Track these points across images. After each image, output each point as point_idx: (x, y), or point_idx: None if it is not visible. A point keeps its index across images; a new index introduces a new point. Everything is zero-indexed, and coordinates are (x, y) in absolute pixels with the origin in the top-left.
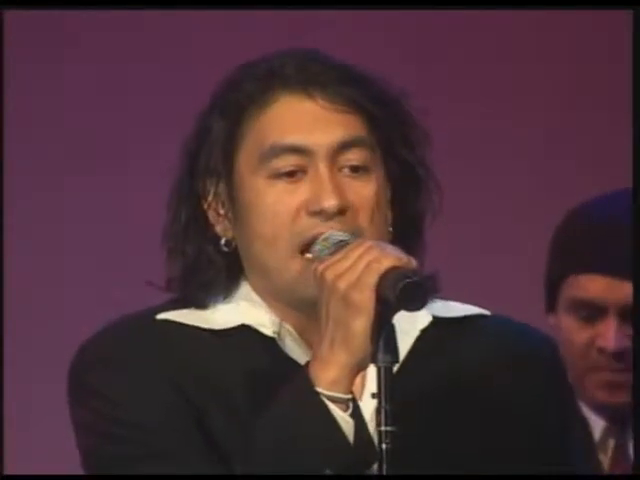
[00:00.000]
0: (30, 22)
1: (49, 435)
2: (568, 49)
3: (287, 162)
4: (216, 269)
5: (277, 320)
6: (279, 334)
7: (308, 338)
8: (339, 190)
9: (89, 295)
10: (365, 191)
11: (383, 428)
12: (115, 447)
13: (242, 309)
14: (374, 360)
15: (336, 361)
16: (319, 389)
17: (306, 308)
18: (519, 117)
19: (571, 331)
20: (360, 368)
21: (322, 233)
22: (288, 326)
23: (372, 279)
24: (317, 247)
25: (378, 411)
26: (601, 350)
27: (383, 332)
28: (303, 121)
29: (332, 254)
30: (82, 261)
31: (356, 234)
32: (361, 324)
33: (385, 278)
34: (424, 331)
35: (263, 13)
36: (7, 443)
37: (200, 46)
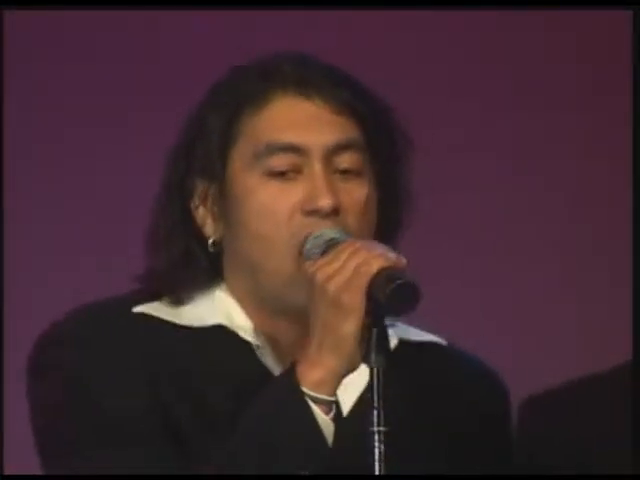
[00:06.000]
0: (30, 22)
1: None
2: (568, 49)
3: (283, 161)
4: (199, 269)
5: (252, 325)
6: (254, 338)
7: (281, 345)
8: (333, 190)
9: (89, 293)
10: (357, 194)
11: (376, 428)
12: (70, 428)
13: (219, 309)
14: (366, 361)
15: (323, 363)
16: (303, 389)
17: (287, 314)
18: (519, 117)
19: None
20: (348, 371)
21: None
22: (261, 333)
23: (362, 282)
24: (308, 245)
25: (371, 412)
26: None
27: (375, 333)
28: (300, 121)
29: (323, 252)
30: (80, 259)
31: (348, 234)
32: (350, 327)
33: (376, 279)
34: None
35: (263, 13)
36: (7, 443)
37: (200, 46)
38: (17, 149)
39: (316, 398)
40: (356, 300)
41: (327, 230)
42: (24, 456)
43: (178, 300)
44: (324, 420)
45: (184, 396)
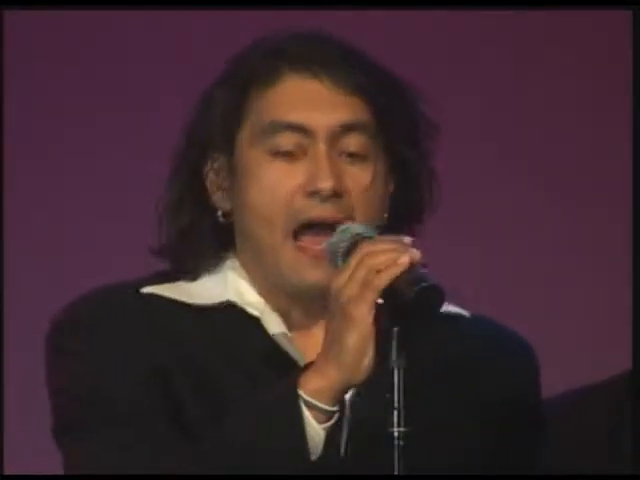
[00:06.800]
0: (30, 22)
1: (49, 435)
2: (568, 49)
3: (287, 140)
4: (209, 240)
5: (262, 300)
6: (263, 314)
7: (291, 319)
8: (336, 173)
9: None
10: (362, 177)
11: (396, 429)
12: (77, 408)
13: (229, 285)
14: (388, 361)
15: (326, 373)
16: (301, 393)
17: (291, 292)
18: (518, 117)
19: None
20: (351, 383)
21: (318, 216)
22: (271, 307)
23: (371, 295)
24: (334, 239)
25: (391, 412)
26: None
27: (396, 333)
28: (307, 100)
29: (349, 247)
30: (83, 255)
31: (351, 219)
32: (353, 339)
33: (399, 279)
34: None
35: (264, 13)
36: (7, 443)
37: (200, 46)
38: (17, 149)
39: (312, 404)
40: (362, 313)
41: (354, 225)
42: (24, 456)
43: (190, 278)
44: (313, 427)
45: (192, 376)
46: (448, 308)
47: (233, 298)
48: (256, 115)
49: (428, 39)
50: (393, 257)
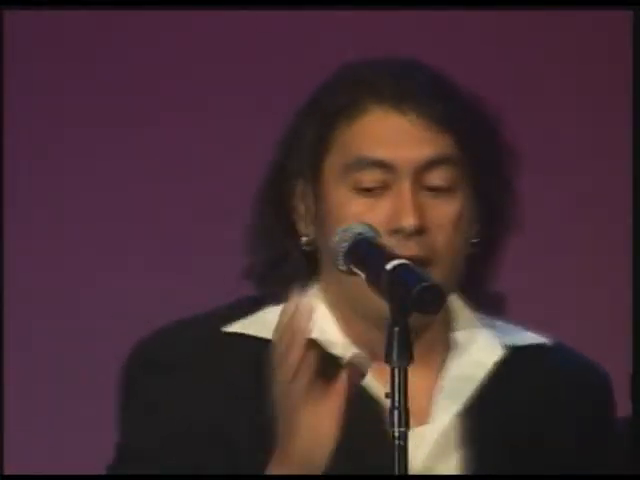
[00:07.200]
0: (30, 22)
1: (49, 435)
2: (568, 49)
3: (372, 177)
4: (296, 266)
5: (345, 339)
6: (346, 353)
7: (378, 357)
8: (420, 209)
9: (90, 291)
10: (446, 211)
11: (396, 429)
12: (136, 444)
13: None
14: (388, 361)
15: (285, 460)
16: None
17: (379, 319)
18: (518, 117)
19: None
20: (311, 464)
21: (402, 255)
22: (351, 337)
23: (304, 379)
24: (336, 238)
25: (391, 412)
26: None
27: (396, 332)
28: (391, 136)
29: (351, 246)
30: (86, 255)
31: (432, 255)
32: (302, 422)
33: (398, 279)
34: (497, 362)
35: (264, 14)
36: (7, 443)
37: (200, 46)
38: (17, 149)
39: None
40: (297, 394)
41: (354, 224)
42: (24, 456)
43: (276, 304)
44: None
45: (254, 422)
46: (536, 340)
47: (315, 335)
48: (341, 148)
49: (428, 39)
50: (292, 332)
